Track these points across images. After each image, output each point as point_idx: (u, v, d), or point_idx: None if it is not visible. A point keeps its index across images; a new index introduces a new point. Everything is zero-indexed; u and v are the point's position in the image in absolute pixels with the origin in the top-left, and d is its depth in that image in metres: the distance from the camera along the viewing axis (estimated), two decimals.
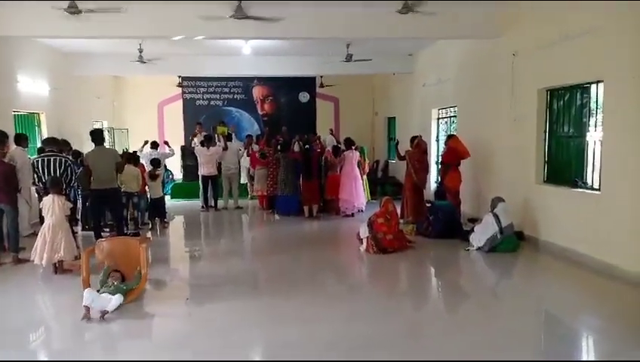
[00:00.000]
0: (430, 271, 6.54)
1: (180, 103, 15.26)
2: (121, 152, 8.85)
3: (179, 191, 12.84)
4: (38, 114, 9.73)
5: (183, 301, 4.96)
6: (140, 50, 9.63)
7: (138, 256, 5.01)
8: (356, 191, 9.64)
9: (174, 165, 13.61)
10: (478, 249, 6.62)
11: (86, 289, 4.47)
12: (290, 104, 15.61)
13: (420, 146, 8.61)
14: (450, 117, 10.35)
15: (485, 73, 8.44)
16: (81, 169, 8.02)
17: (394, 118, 14.23)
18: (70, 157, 6.93)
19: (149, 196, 8.92)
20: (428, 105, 11.29)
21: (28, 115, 9.33)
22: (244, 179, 12.09)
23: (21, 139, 7.45)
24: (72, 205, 5.91)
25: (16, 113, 8.80)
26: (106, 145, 9.20)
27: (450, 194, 8.22)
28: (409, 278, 6.16)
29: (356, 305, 4.83)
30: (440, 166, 8.63)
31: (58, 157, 6.33)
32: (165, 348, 3.87)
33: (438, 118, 11.02)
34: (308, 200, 9.54)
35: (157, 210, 8.86)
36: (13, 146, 7.98)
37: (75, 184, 8.45)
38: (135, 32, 7.41)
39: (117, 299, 4.43)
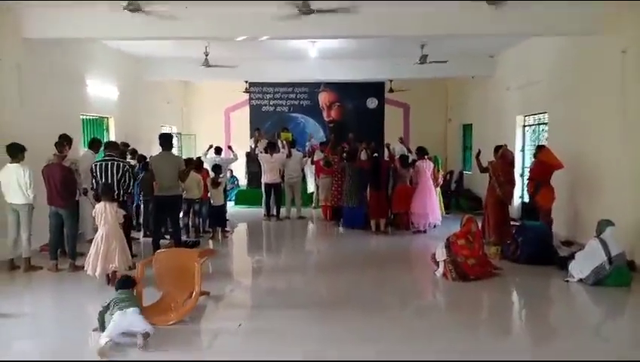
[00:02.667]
0: (520, 304, 5.51)
1: (246, 109, 15.12)
2: (186, 158, 8.62)
3: (243, 198, 12.59)
4: (107, 118, 9.77)
5: (238, 320, 4.47)
6: (206, 54, 9.40)
7: (193, 272, 4.55)
8: (430, 205, 8.75)
9: (239, 171, 13.40)
10: (580, 281, 5.54)
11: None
12: (357, 110, 14.98)
13: (505, 157, 7.60)
14: (539, 124, 9.18)
15: (585, 75, 7.28)
16: (144, 173, 7.91)
17: (470, 125, 13.12)
18: (130, 162, 6.69)
19: (211, 203, 8.59)
20: (511, 111, 10.15)
21: (96, 119, 9.38)
22: (310, 188, 11.58)
23: (94, 144, 7.45)
24: (125, 213, 5.59)
25: (84, 117, 8.83)
26: (174, 151, 9.16)
27: (541, 213, 7.14)
28: (494, 312, 5.18)
29: (431, 341, 4.05)
30: (528, 181, 7.55)
31: (116, 162, 6.08)
32: None
33: (524, 126, 9.86)
34: (375, 213, 8.78)
35: (218, 218, 8.50)
36: (82, 150, 8.01)
37: (137, 189, 8.36)
38: (198, 32, 7.10)
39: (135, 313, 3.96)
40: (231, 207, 11.79)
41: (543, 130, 9.04)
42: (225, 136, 15.33)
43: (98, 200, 5.58)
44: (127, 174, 6.13)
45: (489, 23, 6.87)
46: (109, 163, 6.08)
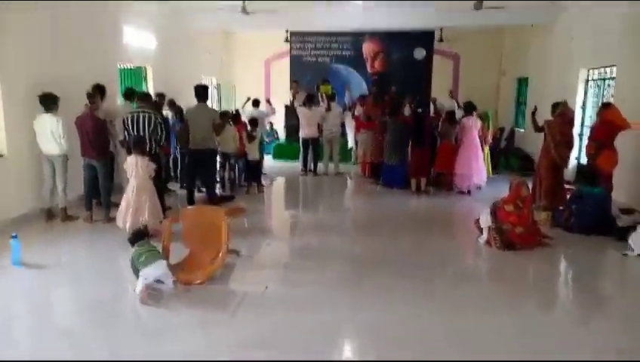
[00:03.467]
0: (569, 278, 5.06)
1: (287, 60, 14.60)
2: (223, 112, 8.41)
3: (281, 152, 12.38)
4: (145, 67, 9.63)
5: (267, 282, 4.33)
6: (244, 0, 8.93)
7: (221, 231, 4.39)
8: (476, 165, 8.20)
9: (278, 124, 13.14)
10: None
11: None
12: (403, 61, 14.09)
13: (564, 115, 6.89)
14: (604, 79, 8.26)
15: None
16: (180, 125, 7.78)
17: (526, 78, 12.11)
18: (162, 114, 6.52)
19: (247, 157, 8.40)
20: (575, 64, 9.18)
21: (134, 69, 9.24)
22: (350, 144, 11.17)
23: (128, 94, 7.27)
24: (156, 166, 5.46)
25: (121, 66, 8.70)
26: (210, 103, 8.93)
27: (602, 178, 6.48)
28: (538, 286, 4.70)
29: (466, 312, 3.75)
30: (589, 142, 6.83)
31: (147, 114, 5.90)
32: (237, 331, 3.19)
33: (587, 80, 8.93)
34: (416, 172, 8.33)
35: (253, 172, 8.33)
36: (118, 101, 7.92)
37: (175, 141, 8.28)
38: None
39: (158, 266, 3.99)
40: (269, 160, 11.65)
41: (608, 85, 8.13)
42: (265, 87, 15.00)
43: (129, 152, 5.47)
44: (159, 127, 5.96)
45: None
46: (141, 115, 5.92)
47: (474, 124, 8.22)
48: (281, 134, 13.35)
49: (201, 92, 6.69)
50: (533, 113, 7.17)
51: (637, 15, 7.09)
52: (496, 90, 14.25)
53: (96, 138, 5.95)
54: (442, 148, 8.38)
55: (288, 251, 5.59)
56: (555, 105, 7.04)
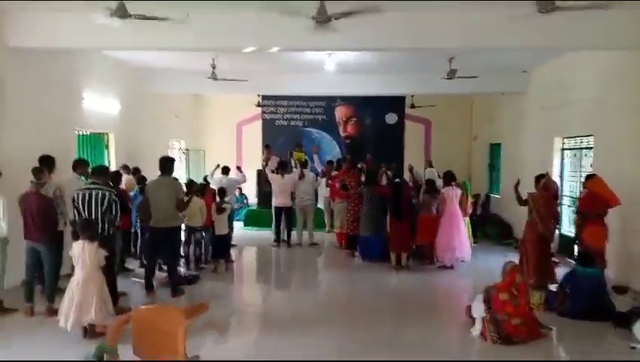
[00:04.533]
0: None
1: (259, 123, 14.35)
2: (189, 182, 7.85)
3: (253, 219, 11.77)
4: (107, 134, 9.06)
5: None
6: (213, 66, 8.64)
7: (176, 339, 3.69)
8: (458, 238, 7.81)
9: (250, 190, 12.57)
10: None
11: None
12: (375, 126, 14.09)
13: (548, 188, 6.65)
14: (582, 148, 8.18)
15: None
16: (141, 199, 7.16)
17: (498, 144, 12.12)
18: (117, 190, 5.88)
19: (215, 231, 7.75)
20: (548, 132, 9.16)
21: (94, 136, 8.67)
22: (320, 204, 10.67)
23: (78, 165, 6.57)
24: (107, 253, 4.78)
25: (80, 133, 8.12)
26: (178, 171, 8.39)
27: (594, 256, 6.13)
28: None
29: None
30: (576, 214, 6.58)
31: (100, 192, 5.27)
32: None
33: (563, 150, 8.86)
34: (396, 245, 7.87)
35: (221, 248, 7.66)
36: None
37: (135, 214, 7.61)
38: (200, 43, 6.34)
39: None
40: (239, 228, 11.02)
41: (586, 154, 8.04)
42: (236, 151, 14.60)
43: (76, 238, 4.79)
44: (113, 206, 5.32)
45: (532, 33, 6.00)
46: (93, 192, 5.29)
47: (455, 194, 7.90)
48: (253, 200, 12.78)
49: (166, 165, 6.15)
50: (516, 186, 6.90)
51: (613, 83, 7.08)
52: (468, 156, 14.26)
53: (41, 219, 5.24)
54: (422, 219, 7.98)
55: (255, 352, 4.85)
56: (538, 178, 6.80)
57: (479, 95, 12.94)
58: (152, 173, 7.41)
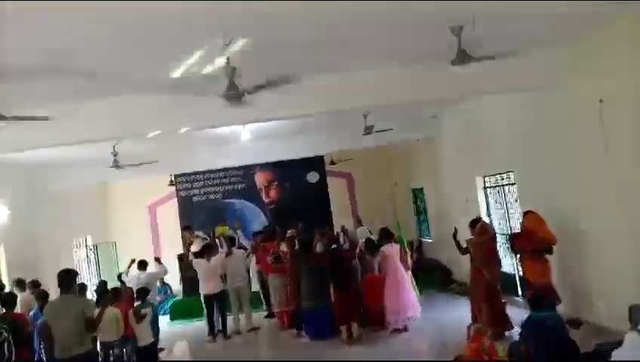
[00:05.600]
0: None
1: (174, 202, 13.35)
2: (99, 289, 6.79)
3: (179, 310, 10.59)
4: None
5: None
6: (114, 154, 7.81)
7: None
8: (406, 296, 7.43)
9: (173, 278, 11.37)
10: None
11: None
12: (298, 187, 13.63)
13: (485, 232, 6.55)
14: (504, 185, 8.34)
15: (557, 129, 6.52)
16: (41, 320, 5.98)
17: (421, 188, 12.26)
18: (5, 327, 4.77)
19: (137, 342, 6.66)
20: (467, 172, 9.34)
21: None
22: (255, 288, 9.83)
23: None
24: None
25: None
26: (86, 275, 7.27)
27: (541, 295, 6.00)
28: None
29: None
30: (516, 255, 6.53)
31: None
32: None
33: (485, 188, 9.03)
34: (345, 316, 7.29)
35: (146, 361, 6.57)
36: None
37: (37, 339, 6.35)
38: (94, 134, 5.61)
39: None
40: (166, 323, 9.84)
41: (509, 191, 8.20)
42: (152, 237, 13.41)
43: None
44: (4, 345, 4.29)
45: (447, 84, 6.06)
46: None
47: (395, 250, 7.59)
48: (177, 288, 11.60)
49: (64, 280, 5.15)
50: (455, 234, 6.75)
51: (526, 122, 7.32)
52: (392, 203, 14.29)
53: None
54: (368, 281, 7.58)
55: None
56: (473, 223, 6.72)
57: (392, 143, 13.16)
58: (54, 285, 6.29)
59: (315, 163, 13.51)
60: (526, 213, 6.43)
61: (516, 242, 6.56)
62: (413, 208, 12.99)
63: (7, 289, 6.99)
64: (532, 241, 6.23)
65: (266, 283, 9.37)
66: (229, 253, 8.87)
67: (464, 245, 6.63)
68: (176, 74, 5.15)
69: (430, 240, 11.87)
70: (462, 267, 9.42)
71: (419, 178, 12.26)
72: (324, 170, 13.75)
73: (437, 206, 11.04)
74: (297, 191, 13.60)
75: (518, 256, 6.56)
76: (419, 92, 6.08)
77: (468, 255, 6.68)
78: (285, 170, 13.57)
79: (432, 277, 10.33)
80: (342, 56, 5.42)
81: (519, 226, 6.59)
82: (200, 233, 10.44)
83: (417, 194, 12.67)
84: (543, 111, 6.91)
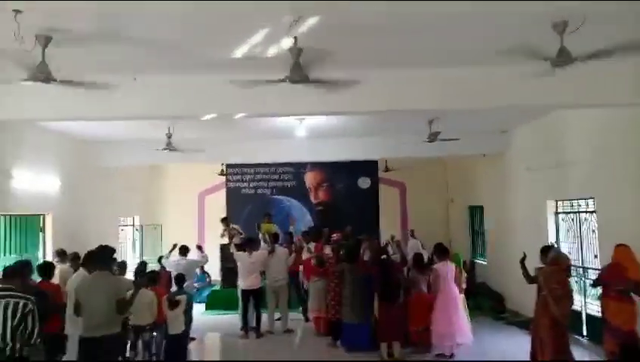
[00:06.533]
0: None
1: (222, 193, 13.22)
2: (138, 270, 6.61)
3: (216, 301, 10.41)
4: (43, 216, 7.76)
5: None
6: (169, 136, 7.66)
7: None
8: (457, 321, 6.75)
9: (213, 268, 11.18)
10: None
11: None
12: (348, 191, 13.16)
13: (558, 262, 5.77)
14: (580, 212, 7.48)
15: None
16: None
17: (480, 207, 11.44)
18: (32, 298, 4.55)
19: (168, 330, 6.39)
20: (538, 194, 8.50)
21: (27, 218, 7.37)
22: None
23: None
24: None
25: (7, 216, 6.83)
26: (131, 251, 7.17)
27: (617, 337, 5.24)
28: None
29: None
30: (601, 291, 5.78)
31: (13, 300, 4.03)
32: None
33: (556, 213, 8.17)
34: (387, 333, 6.71)
35: (174, 351, 6.26)
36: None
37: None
38: (151, 111, 5.38)
39: None
40: (201, 313, 9.63)
41: (585, 219, 7.34)
42: (198, 225, 13.35)
43: None
44: (28, 318, 4.05)
45: (525, 91, 5.43)
46: (2, 302, 4.03)
47: (449, 270, 6.93)
48: (215, 278, 11.41)
49: (100, 257, 4.93)
50: (523, 261, 6.03)
51: (615, 141, 6.48)
52: (445, 219, 13.52)
53: None
54: (415, 301, 6.96)
55: None
56: (544, 249, 5.97)
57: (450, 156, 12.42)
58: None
59: (368, 168, 12.99)
60: (618, 246, 5.62)
61: (603, 276, 5.79)
62: (469, 227, 12.17)
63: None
64: (621, 278, 5.44)
65: (299, 285, 9.06)
66: (272, 251, 8.53)
67: (532, 273, 5.89)
68: (238, 54, 4.86)
69: (484, 263, 11.03)
70: (517, 295, 8.67)
71: (479, 195, 11.44)
72: (377, 176, 13.19)
73: (497, 227, 10.21)
74: (347, 195, 13.14)
75: (600, 292, 5.76)
76: (499, 98, 5.45)
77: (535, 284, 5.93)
78: (336, 172, 13.14)
79: (484, 302, 9.55)
80: (414, 50, 4.93)
81: (598, 258, 5.77)
82: (236, 226, 10.17)
83: (475, 212, 11.85)
84: (630, 133, 6.09)
